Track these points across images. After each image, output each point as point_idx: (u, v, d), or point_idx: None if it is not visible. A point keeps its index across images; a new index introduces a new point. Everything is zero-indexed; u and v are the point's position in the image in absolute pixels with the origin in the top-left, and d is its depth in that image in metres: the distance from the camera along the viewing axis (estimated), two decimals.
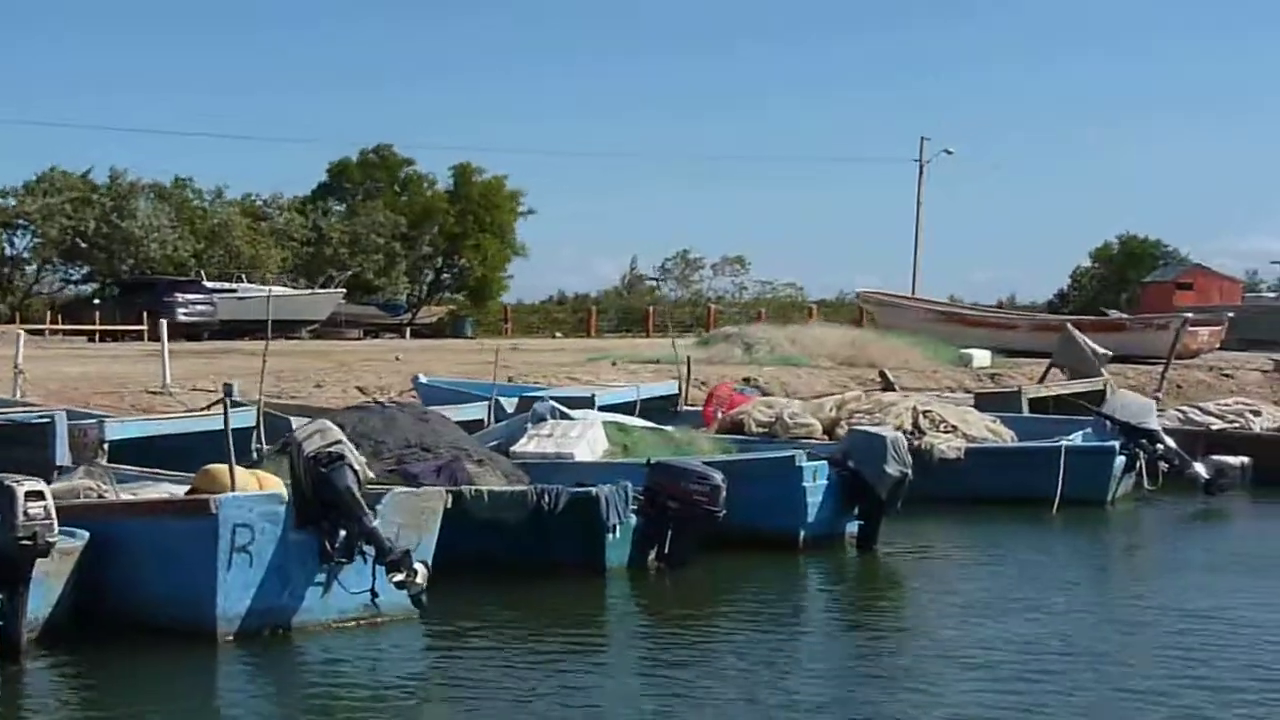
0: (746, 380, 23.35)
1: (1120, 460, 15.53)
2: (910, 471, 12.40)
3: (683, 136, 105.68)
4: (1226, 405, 18.70)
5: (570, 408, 15.61)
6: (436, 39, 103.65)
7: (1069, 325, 23.81)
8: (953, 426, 15.79)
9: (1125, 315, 35.31)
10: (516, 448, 12.70)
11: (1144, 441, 15.70)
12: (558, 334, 53.30)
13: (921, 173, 63.78)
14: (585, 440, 12.60)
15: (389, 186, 57.20)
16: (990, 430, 16.15)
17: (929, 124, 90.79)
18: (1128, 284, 61.73)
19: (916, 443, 15.36)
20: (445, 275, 58.69)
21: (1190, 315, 31.02)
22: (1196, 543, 14.46)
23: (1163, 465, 15.86)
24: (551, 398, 16.73)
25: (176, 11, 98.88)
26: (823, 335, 27.40)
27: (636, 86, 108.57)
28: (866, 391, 18.62)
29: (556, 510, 10.64)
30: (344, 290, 48.67)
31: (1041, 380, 24.07)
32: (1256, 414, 18.23)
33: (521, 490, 10.75)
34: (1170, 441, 15.90)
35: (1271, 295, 65.74)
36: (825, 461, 12.32)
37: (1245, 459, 17.32)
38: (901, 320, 32.72)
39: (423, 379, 18.53)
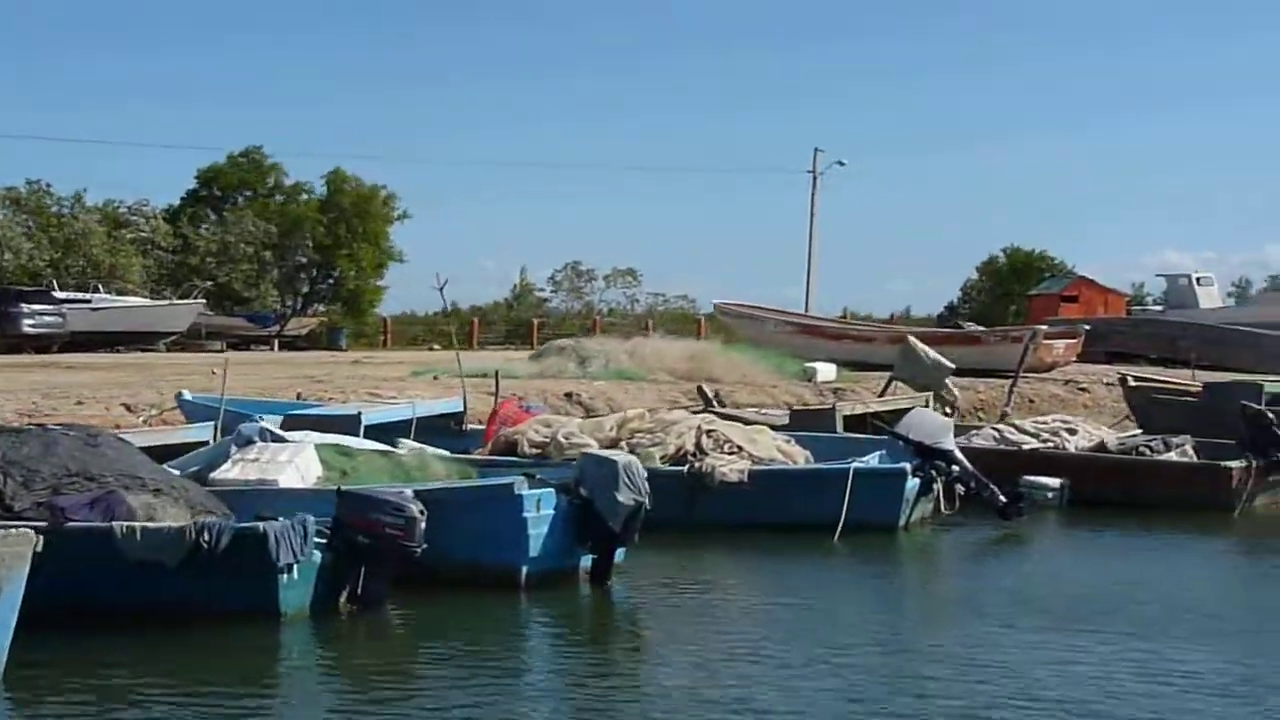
0: (569, 396, 22.32)
1: (914, 483, 14.51)
2: (647, 500, 11.28)
3: (582, 146, 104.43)
4: (1043, 424, 17.78)
5: (333, 429, 14.45)
6: (315, 49, 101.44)
7: (910, 337, 22.89)
8: (738, 447, 14.71)
9: (980, 328, 34.55)
10: (217, 474, 11.44)
11: (940, 463, 14.69)
12: (435, 346, 52.01)
13: (815, 184, 63.50)
14: (294, 466, 11.36)
15: (260, 194, 55.56)
16: (782, 451, 15.08)
17: (825, 136, 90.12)
18: (1015, 296, 61.33)
19: (697, 465, 14.38)
20: (320, 286, 57.06)
21: (1044, 328, 30.32)
22: (979, 575, 13.43)
23: (959, 488, 14.86)
24: (313, 416, 15.55)
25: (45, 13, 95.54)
26: (663, 349, 26.30)
27: (540, 96, 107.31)
28: (669, 407, 17.53)
29: (218, 549, 9.40)
30: (204, 301, 46.95)
31: (882, 394, 23.19)
32: (1073, 433, 17.30)
33: (178, 527, 9.50)
34: (966, 463, 14.90)
35: (1158, 308, 65.69)
36: (551, 489, 11.16)
37: (1060, 480, 16.47)
38: (759, 333, 31.74)
39: (186, 396, 17.18)
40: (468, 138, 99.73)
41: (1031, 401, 27.94)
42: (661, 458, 14.54)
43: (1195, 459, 16.68)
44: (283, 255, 54.25)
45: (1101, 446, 17.04)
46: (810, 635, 10.11)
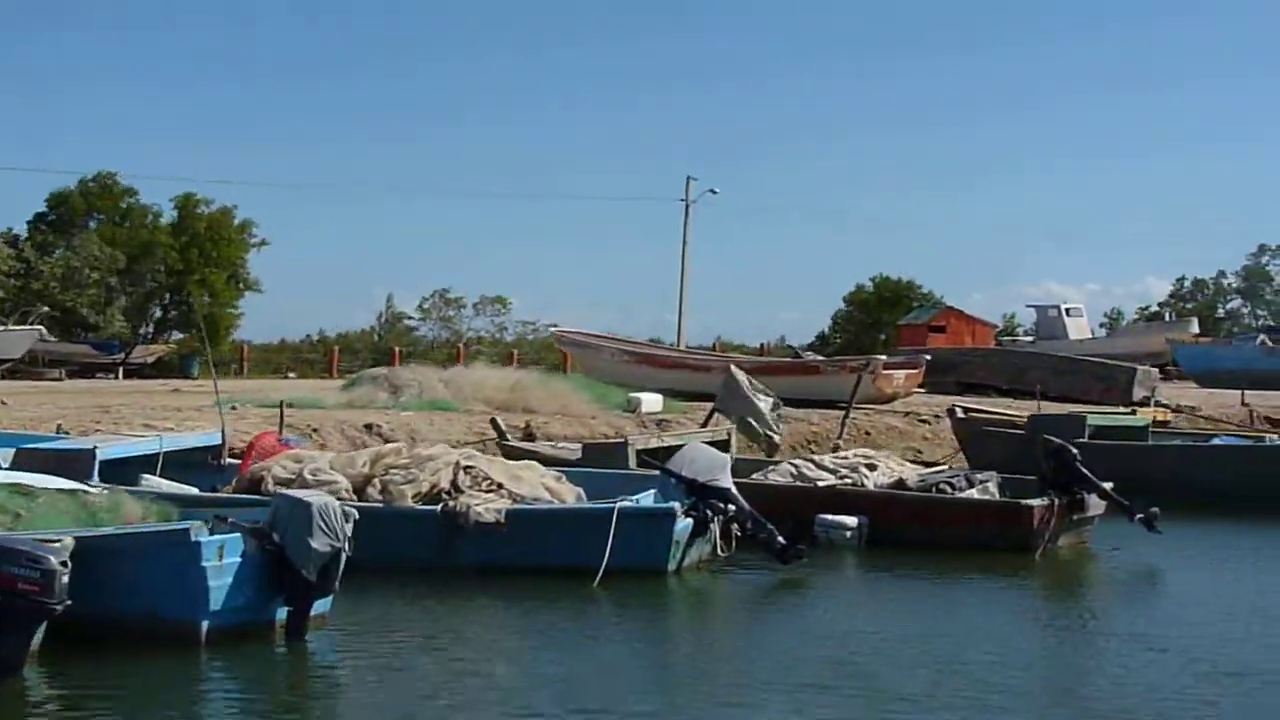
0: (368, 427, 21.12)
1: (686, 524, 13.49)
2: (347, 545, 10.15)
3: (456, 173, 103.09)
4: (842, 459, 16.86)
5: (65, 464, 13.20)
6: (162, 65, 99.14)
7: (732, 367, 21.94)
8: (497, 485, 13.62)
9: (819, 357, 33.81)
10: None
11: (715, 502, 13.69)
12: (290, 374, 50.63)
13: (687, 212, 62.88)
14: None
15: (112, 219, 53.68)
16: (549, 489, 14.01)
17: (698, 165, 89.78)
18: (884, 326, 61.03)
19: (451, 504, 13.29)
20: (172, 312, 55.22)
21: (882, 359, 29.63)
22: (740, 628, 12.36)
23: (736, 529, 13.87)
24: (45, 451, 14.27)
25: None
26: (482, 378, 25.16)
27: (409, 121, 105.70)
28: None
29: None
30: (41, 327, 45.02)
31: (704, 426, 22.23)
32: (873, 469, 16.40)
33: None
34: (743, 502, 13.91)
35: (1028, 339, 65.83)
36: (238, 535, 9.98)
37: (858, 519, 15.57)
38: (597, 362, 30.72)
39: None
40: (344, 159, 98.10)
41: (868, 434, 27.14)
42: (414, 496, 13.44)
43: (998, 496, 15.82)
44: (132, 281, 52.39)
45: (901, 483, 16.15)
46: (527, 696, 9.04)
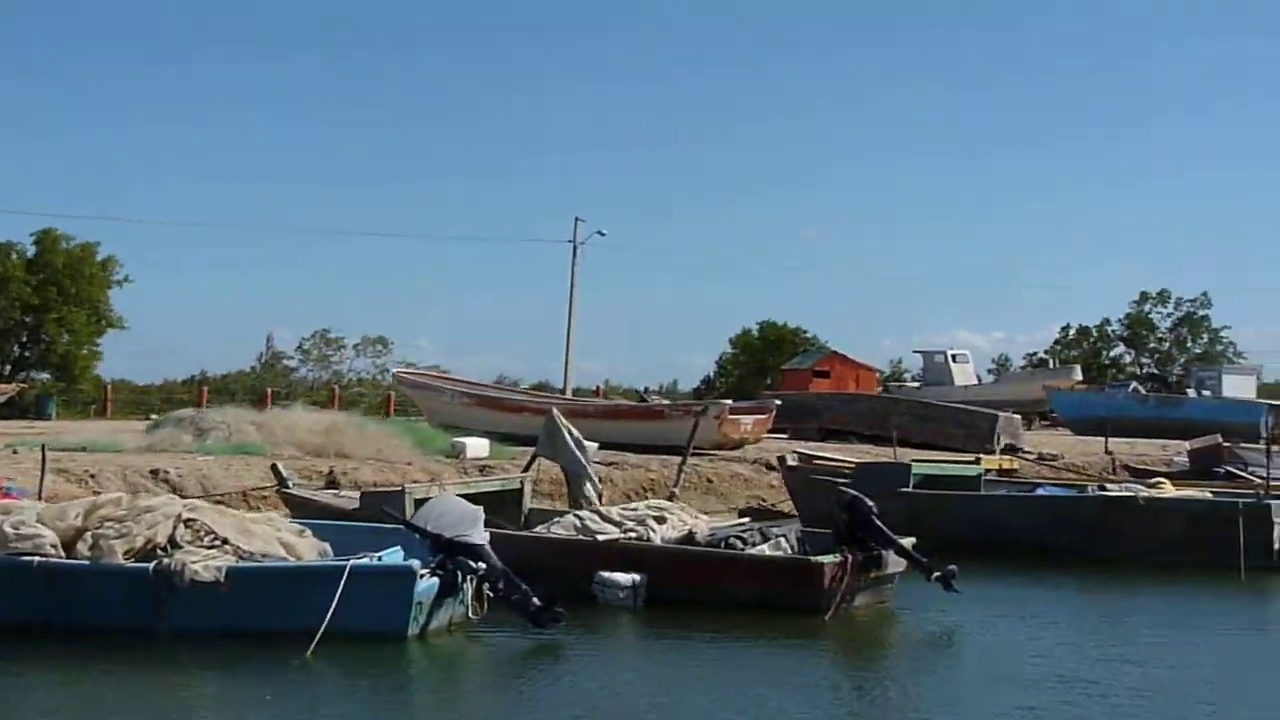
0: (154, 473, 19.73)
1: (431, 584, 12.29)
2: None
3: (349, 211, 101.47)
4: (631, 511, 15.70)
5: None
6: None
7: (553, 410, 20.74)
8: (222, 540, 12.34)
9: (666, 401, 32.77)
10: None
11: (464, 559, 12.50)
12: (153, 415, 48.88)
13: (575, 254, 62.03)
14: None
15: None
16: (286, 544, 12.75)
17: (586, 207, 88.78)
18: (769, 370, 60.30)
19: (165, 561, 12.00)
20: (29, 351, 53.24)
21: (728, 402, 28.66)
22: (476, 703, 11.21)
23: (488, 589, 12.68)
24: None
25: None
26: (295, 421, 23.84)
27: (292, 159, 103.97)
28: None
29: None
30: None
31: (525, 470, 21.02)
32: (661, 521, 15.26)
33: None
34: (495, 559, 12.72)
35: (915, 384, 65.44)
36: None
37: (637, 577, 14.42)
38: (437, 404, 29.48)
39: None
40: (215, 198, 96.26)
41: (710, 481, 26.15)
42: (127, 552, 12.14)
43: (792, 551, 14.73)
44: None
45: (689, 537, 15.04)
46: None
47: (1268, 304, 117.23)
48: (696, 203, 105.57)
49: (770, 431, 35.35)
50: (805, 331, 62.31)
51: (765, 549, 14.66)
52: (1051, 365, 64.70)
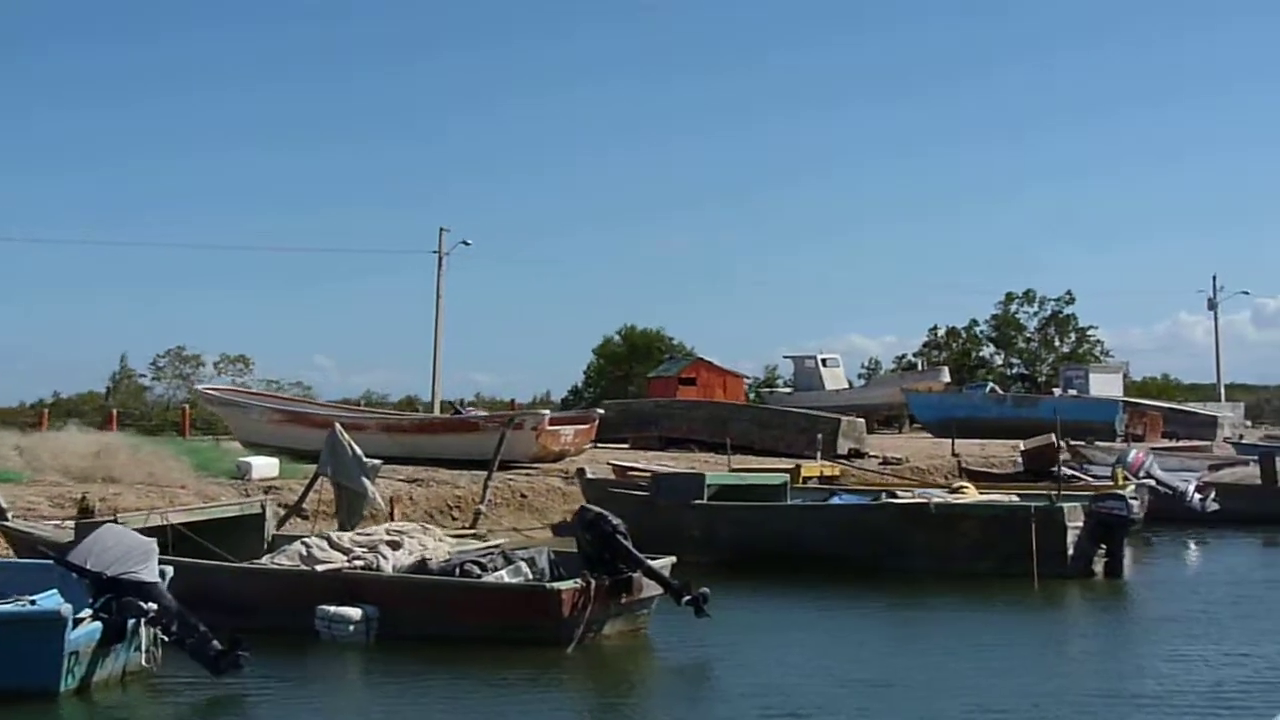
0: None
1: (89, 630, 10.81)
2: None
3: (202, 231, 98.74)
4: (365, 535, 14.30)
5: None
6: None
7: (336, 425, 19.23)
8: None
9: (481, 412, 31.37)
10: None
11: (132, 600, 11.03)
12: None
13: (441, 265, 60.60)
14: None
15: None
16: None
17: (454, 217, 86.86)
18: (634, 378, 59.07)
19: None
20: None
21: (546, 413, 27.35)
22: None
23: (160, 632, 11.22)
24: None
25: None
26: (64, 444, 22.17)
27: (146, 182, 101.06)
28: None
29: None
30: None
31: (304, 493, 19.53)
32: (396, 546, 13.86)
33: None
34: (169, 599, 11.26)
35: (787, 390, 64.67)
36: None
37: (366, 610, 13.03)
38: (245, 422, 27.84)
39: None
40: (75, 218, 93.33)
41: (524, 496, 24.81)
42: None
43: (535, 577, 13.39)
44: None
45: (423, 565, 13.66)
46: None
47: (1135, 304, 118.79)
48: (587, 218, 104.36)
49: (608, 442, 34.25)
50: (670, 337, 61.02)
51: (504, 575, 13.32)
52: (920, 368, 64.12)
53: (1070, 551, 16.19)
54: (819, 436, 31.76)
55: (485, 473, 23.48)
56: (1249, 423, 62.56)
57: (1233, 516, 23.54)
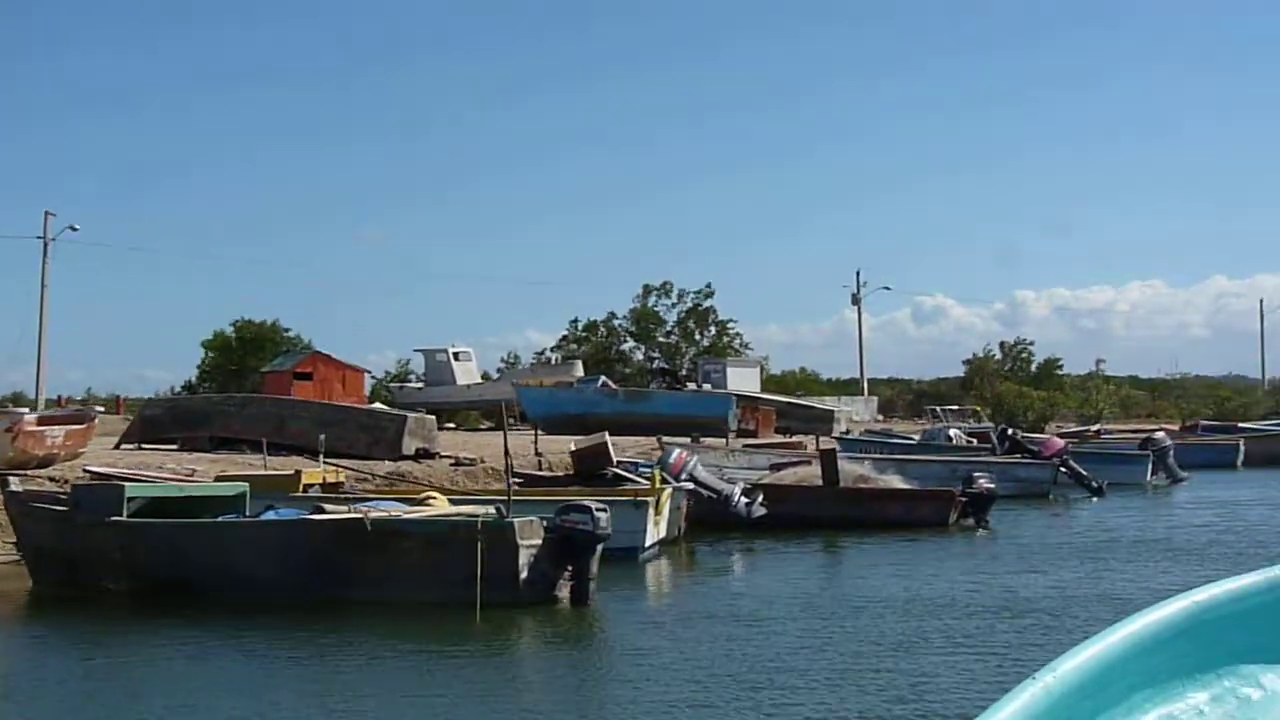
0: None
1: None
2: None
3: None
4: None
5: None
6: None
7: None
8: None
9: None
10: None
11: None
12: None
13: (46, 251, 55.58)
14: None
15: None
16: None
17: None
18: (250, 373, 55.14)
19: None
20: None
21: (25, 412, 23.66)
22: None
23: None
24: None
25: None
26: None
27: None
28: None
29: None
30: None
31: None
32: None
33: None
34: None
35: (418, 386, 61.81)
36: None
37: None
38: None
39: None
40: None
41: None
42: None
43: None
44: None
45: None
46: None
47: (803, 300, 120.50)
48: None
49: (154, 442, 30.69)
50: (286, 329, 57.22)
51: None
52: (554, 362, 62.12)
53: (524, 575, 13.55)
54: (384, 436, 28.93)
55: None
56: (880, 417, 62.67)
57: (788, 520, 21.64)
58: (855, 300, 74.42)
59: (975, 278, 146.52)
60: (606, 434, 23.52)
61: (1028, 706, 2.71)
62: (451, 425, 52.96)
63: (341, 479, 21.34)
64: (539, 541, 13.64)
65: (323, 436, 22.72)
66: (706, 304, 67.14)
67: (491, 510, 13.78)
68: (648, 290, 66.89)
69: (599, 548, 13.84)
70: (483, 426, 54.02)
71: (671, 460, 20.91)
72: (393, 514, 14.08)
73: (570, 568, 13.78)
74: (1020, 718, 2.68)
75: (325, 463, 21.66)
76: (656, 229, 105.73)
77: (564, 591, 13.84)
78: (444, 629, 12.95)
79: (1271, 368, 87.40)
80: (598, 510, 13.64)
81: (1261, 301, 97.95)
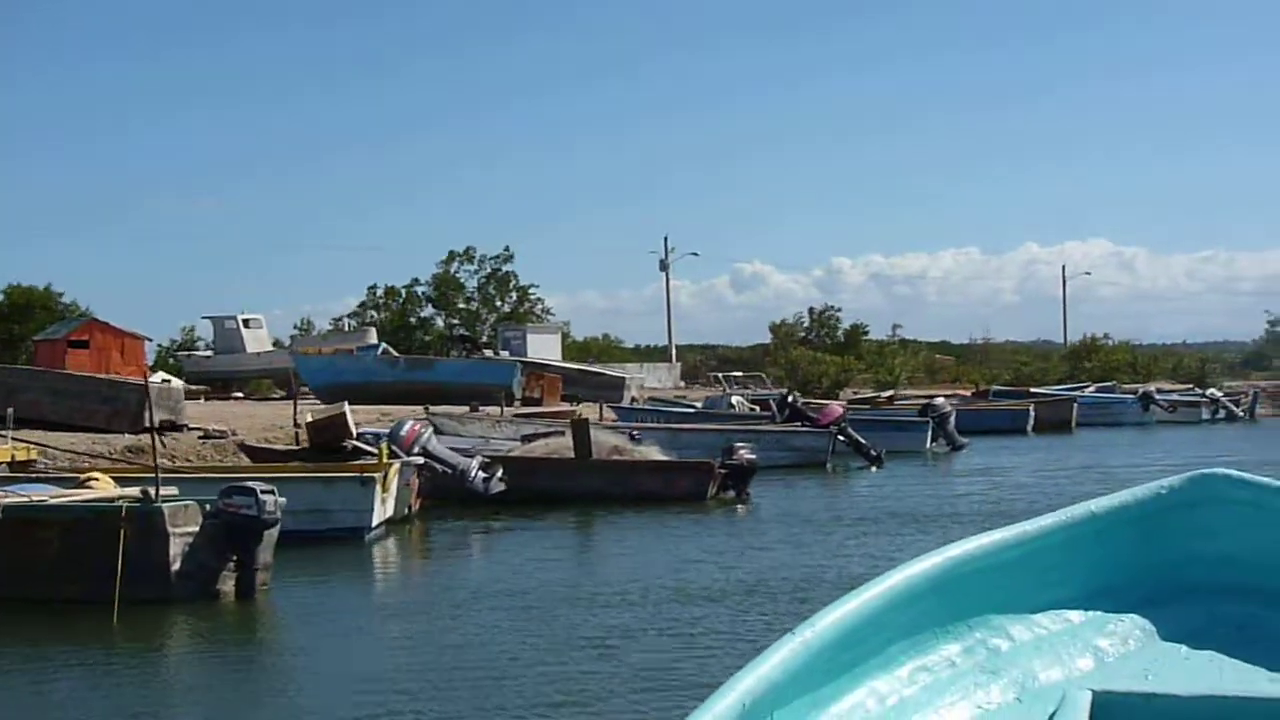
0: None
1: None
2: None
3: None
4: None
5: None
6: None
7: None
8: None
9: None
10: None
11: None
12: None
13: None
14: None
15: None
16: None
17: None
18: (20, 341, 52.25)
19: None
20: None
21: None
22: None
23: None
24: None
25: None
26: None
27: None
28: None
29: None
30: None
31: None
32: None
33: None
34: None
35: (207, 354, 59.51)
36: None
37: None
38: None
39: None
40: None
41: None
42: None
43: None
44: None
45: None
46: None
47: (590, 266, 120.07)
48: None
49: None
50: (61, 295, 54.35)
51: None
52: (347, 329, 60.24)
53: (176, 566, 12.07)
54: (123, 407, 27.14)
55: None
56: (683, 383, 61.95)
57: (537, 496, 20.45)
58: (664, 266, 73.67)
59: (794, 245, 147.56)
60: (346, 404, 22.09)
61: (786, 660, 2.76)
62: (240, 395, 50.90)
63: (34, 456, 19.49)
64: (196, 529, 12.17)
65: (11, 410, 20.79)
66: (505, 269, 65.68)
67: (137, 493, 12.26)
68: (452, 256, 65.17)
69: (268, 534, 12.38)
70: (275, 396, 52.03)
71: (403, 433, 19.54)
72: (33, 499, 12.49)
73: (235, 558, 12.33)
74: (779, 671, 2.71)
75: (14, 440, 19.76)
76: (481, 199, 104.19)
77: (229, 585, 12.40)
78: (75, 630, 11.44)
79: (1074, 334, 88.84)
80: (263, 492, 12.19)
81: (1064, 268, 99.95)
